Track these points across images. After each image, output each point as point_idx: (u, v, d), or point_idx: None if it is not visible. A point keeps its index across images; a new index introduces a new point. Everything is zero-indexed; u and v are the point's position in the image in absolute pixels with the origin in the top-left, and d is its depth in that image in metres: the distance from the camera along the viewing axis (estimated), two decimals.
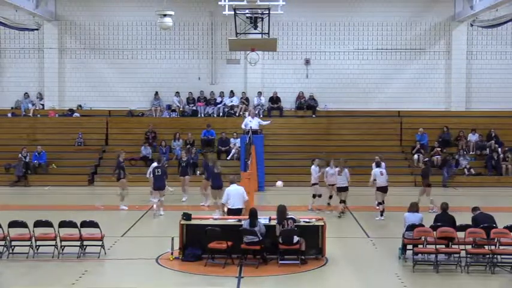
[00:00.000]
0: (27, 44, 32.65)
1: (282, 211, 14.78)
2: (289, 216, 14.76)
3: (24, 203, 23.48)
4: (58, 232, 15.34)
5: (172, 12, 25.02)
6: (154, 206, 21.06)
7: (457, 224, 15.28)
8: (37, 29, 31.31)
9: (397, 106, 32.09)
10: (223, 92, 32.38)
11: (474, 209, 15.72)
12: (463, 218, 15.86)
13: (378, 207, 20.65)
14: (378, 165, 21.37)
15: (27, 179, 28.22)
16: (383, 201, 20.55)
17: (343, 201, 20.92)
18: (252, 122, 26.98)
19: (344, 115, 31.93)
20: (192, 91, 32.43)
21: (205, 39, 32.58)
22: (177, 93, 32.20)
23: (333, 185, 21.28)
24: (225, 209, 16.89)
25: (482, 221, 15.14)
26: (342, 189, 20.88)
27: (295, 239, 14.51)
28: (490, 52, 32.44)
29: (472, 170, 28.87)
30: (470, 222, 15.39)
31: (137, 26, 32.54)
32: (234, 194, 16.46)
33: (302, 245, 14.56)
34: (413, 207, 15.64)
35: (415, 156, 29.48)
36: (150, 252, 15.53)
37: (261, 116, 30.68)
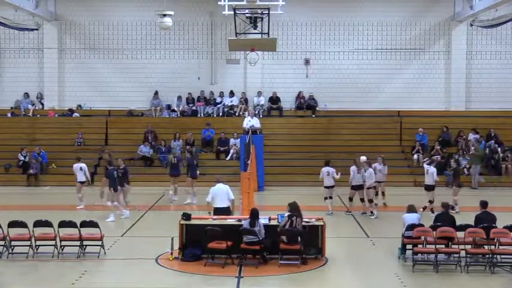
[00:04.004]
0: (27, 44, 32.65)
1: (295, 207, 14.80)
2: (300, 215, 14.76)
3: (24, 203, 23.46)
4: (58, 232, 15.35)
5: (172, 12, 25.03)
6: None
7: (457, 223, 15.30)
8: (37, 29, 31.29)
9: (397, 106, 32.09)
10: (222, 92, 32.38)
11: (482, 204, 15.71)
12: (463, 217, 15.89)
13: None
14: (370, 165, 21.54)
15: (37, 179, 28.15)
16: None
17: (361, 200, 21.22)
18: (251, 122, 27.03)
19: (344, 115, 31.92)
20: (191, 91, 32.43)
21: (205, 39, 32.59)
22: (179, 98, 32.14)
23: (379, 182, 21.81)
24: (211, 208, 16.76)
25: (484, 220, 15.17)
26: (359, 188, 21.07)
27: (299, 239, 14.55)
28: (490, 52, 32.44)
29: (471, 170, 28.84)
30: (469, 222, 15.42)
31: (137, 26, 32.55)
32: (218, 193, 16.40)
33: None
34: (411, 208, 15.67)
35: (415, 156, 29.47)
36: (150, 252, 15.54)
37: (261, 116, 30.73)
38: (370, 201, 20.80)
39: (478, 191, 25.78)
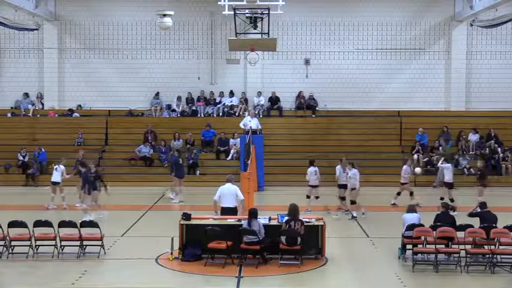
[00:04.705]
0: (27, 44, 32.65)
1: (294, 209, 14.79)
2: (300, 218, 14.70)
3: (24, 203, 23.45)
4: (58, 232, 15.35)
5: (172, 12, 25.05)
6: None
7: (457, 223, 15.32)
8: (37, 29, 31.27)
9: (397, 106, 32.09)
10: (222, 92, 32.37)
11: (481, 205, 15.78)
12: (464, 217, 15.91)
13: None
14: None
15: (34, 179, 28.15)
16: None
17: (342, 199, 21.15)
18: (251, 122, 27.07)
19: (344, 115, 31.93)
20: (191, 91, 32.43)
21: (205, 39, 32.58)
22: (179, 98, 32.12)
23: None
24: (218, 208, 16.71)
25: (486, 219, 15.23)
26: (345, 186, 21.06)
27: (299, 240, 14.53)
28: (490, 52, 32.44)
29: (472, 170, 28.84)
30: (469, 222, 15.44)
31: (137, 26, 32.55)
32: (226, 192, 16.32)
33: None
34: (411, 208, 15.68)
35: (415, 156, 29.43)
36: (150, 252, 15.53)
37: (261, 116, 30.76)
38: (353, 202, 20.67)
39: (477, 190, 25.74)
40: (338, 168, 21.20)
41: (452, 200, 20.82)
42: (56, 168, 22.20)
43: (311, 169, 21.41)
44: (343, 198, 21.25)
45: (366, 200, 23.41)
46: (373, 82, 32.51)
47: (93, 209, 19.83)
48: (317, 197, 21.45)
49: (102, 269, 14.61)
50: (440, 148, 28.58)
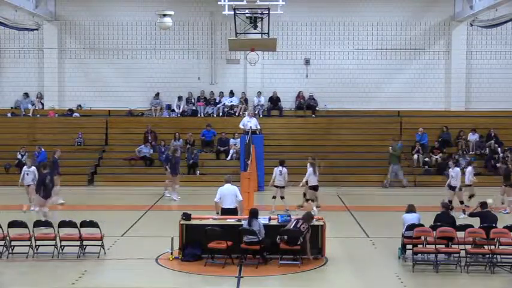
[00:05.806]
0: (27, 44, 32.63)
1: (307, 216, 14.93)
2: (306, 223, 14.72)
3: (24, 203, 23.42)
4: (58, 232, 15.35)
5: (172, 12, 25.07)
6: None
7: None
8: (37, 29, 31.25)
9: (397, 106, 32.08)
10: (222, 92, 32.36)
11: (482, 204, 15.81)
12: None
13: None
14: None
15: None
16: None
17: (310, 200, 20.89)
18: (250, 122, 27.07)
19: (344, 115, 31.91)
20: (191, 91, 32.43)
21: (205, 39, 32.58)
22: (180, 98, 32.10)
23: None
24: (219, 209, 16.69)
25: (486, 219, 15.25)
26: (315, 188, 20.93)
27: (300, 240, 14.52)
28: (490, 52, 32.43)
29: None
30: (470, 222, 15.46)
31: (137, 26, 32.54)
32: (226, 193, 16.29)
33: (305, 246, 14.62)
34: (411, 208, 15.68)
35: (415, 156, 29.45)
36: (150, 252, 15.53)
37: (261, 116, 30.75)
38: (308, 200, 20.63)
39: (478, 190, 25.75)
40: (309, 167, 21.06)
41: (462, 202, 20.84)
42: (27, 172, 21.94)
43: (276, 169, 21.34)
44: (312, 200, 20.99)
45: (366, 200, 23.47)
46: (373, 82, 32.50)
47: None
48: (281, 197, 21.26)
49: (102, 269, 14.63)
50: (390, 148, 28.28)
